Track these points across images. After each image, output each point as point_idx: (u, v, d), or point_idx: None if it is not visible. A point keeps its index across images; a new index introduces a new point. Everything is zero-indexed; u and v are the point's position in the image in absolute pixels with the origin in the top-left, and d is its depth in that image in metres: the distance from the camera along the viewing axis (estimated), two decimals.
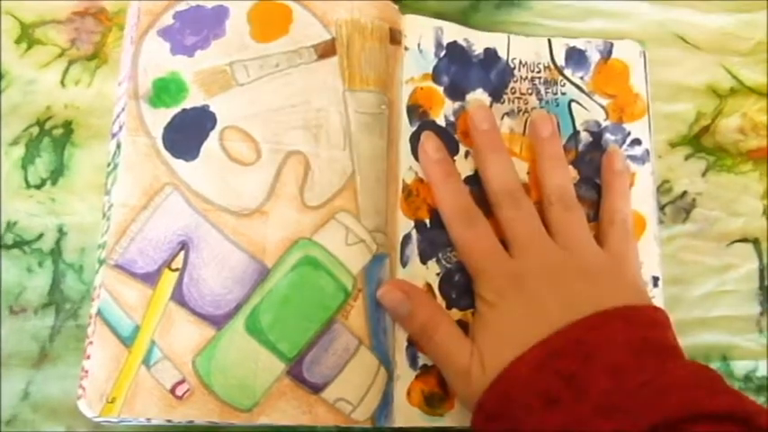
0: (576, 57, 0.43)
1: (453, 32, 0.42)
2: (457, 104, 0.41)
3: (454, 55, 0.42)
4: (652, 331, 0.34)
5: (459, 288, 0.39)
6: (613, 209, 0.40)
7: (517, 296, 0.35)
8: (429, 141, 0.39)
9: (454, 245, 0.39)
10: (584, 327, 0.33)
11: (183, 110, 0.37)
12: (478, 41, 0.42)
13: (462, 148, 0.41)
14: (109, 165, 0.37)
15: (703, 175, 0.44)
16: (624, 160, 0.41)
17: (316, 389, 0.36)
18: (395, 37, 0.41)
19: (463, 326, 0.39)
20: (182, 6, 0.39)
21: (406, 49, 0.41)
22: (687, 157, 0.44)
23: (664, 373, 0.32)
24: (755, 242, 0.43)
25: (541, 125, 0.41)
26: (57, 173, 0.38)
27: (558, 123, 0.40)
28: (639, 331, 0.33)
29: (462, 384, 0.35)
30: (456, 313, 0.39)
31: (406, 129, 0.40)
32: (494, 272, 0.36)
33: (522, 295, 0.35)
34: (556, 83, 0.43)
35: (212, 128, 0.37)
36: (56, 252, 0.37)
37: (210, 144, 0.37)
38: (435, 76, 0.42)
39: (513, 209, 0.38)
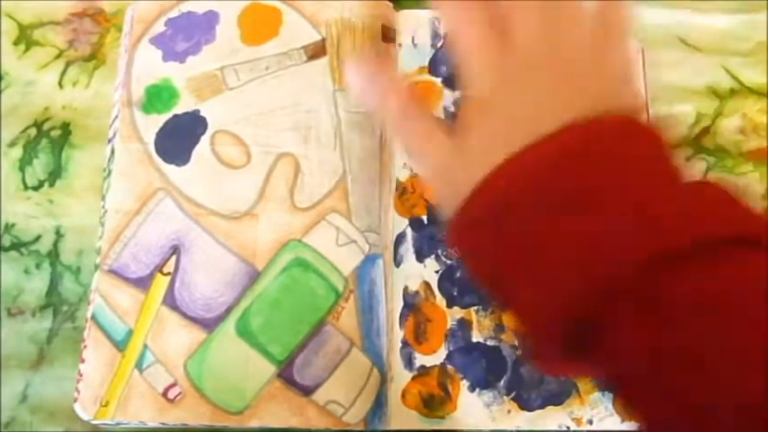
0: None
1: None
2: (458, 94, 0.41)
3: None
4: (669, 147, 0.28)
5: (461, 285, 0.38)
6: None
7: (516, 91, 0.28)
8: None
9: (448, 40, 0.34)
10: (603, 128, 0.27)
11: (175, 115, 0.38)
12: None
13: None
14: (104, 170, 0.38)
15: (704, 176, 0.43)
16: None
17: (306, 391, 0.35)
18: (387, 35, 0.40)
19: (466, 325, 0.38)
20: (173, 13, 0.39)
21: (399, 45, 0.41)
22: (687, 159, 0.43)
23: (689, 190, 0.27)
24: None
25: None
26: (54, 174, 0.39)
27: None
28: (662, 147, 0.27)
29: (443, 183, 0.29)
30: (457, 311, 0.38)
31: None
32: (487, 63, 0.29)
33: (522, 90, 0.28)
34: None
35: (203, 132, 0.38)
36: (53, 254, 0.38)
37: (201, 148, 0.38)
38: (432, 68, 0.41)
39: None
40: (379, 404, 0.36)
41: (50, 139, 0.39)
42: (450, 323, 0.38)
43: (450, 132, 0.29)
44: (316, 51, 0.39)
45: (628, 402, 0.27)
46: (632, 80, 0.31)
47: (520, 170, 0.26)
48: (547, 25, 0.29)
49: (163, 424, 0.35)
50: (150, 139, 0.38)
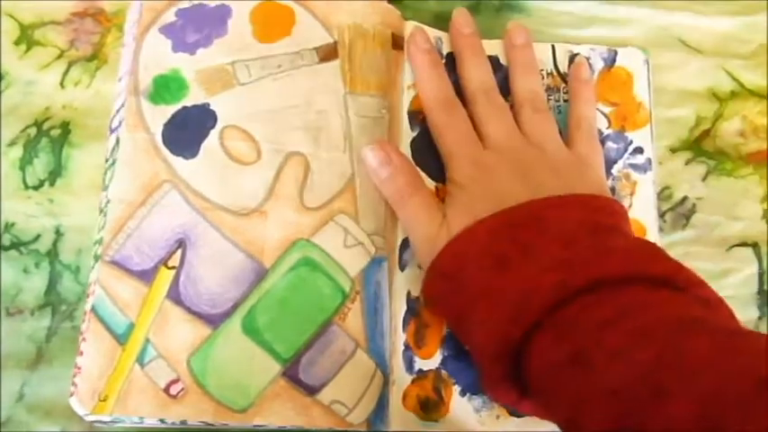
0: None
1: None
2: None
3: (455, 64, 0.42)
4: (608, 218, 0.36)
5: None
6: (580, 115, 0.41)
7: (487, 181, 0.37)
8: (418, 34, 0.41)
9: (432, 130, 0.40)
10: (543, 204, 0.35)
11: (184, 107, 0.37)
12: None
13: None
14: (107, 160, 0.37)
15: (703, 179, 0.44)
16: (589, 70, 0.43)
17: (311, 391, 0.35)
18: (397, 42, 0.41)
19: None
20: (184, 4, 0.39)
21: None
22: (687, 162, 0.44)
23: (611, 241, 0.34)
24: (755, 246, 0.43)
25: (515, 34, 0.42)
26: (54, 174, 0.38)
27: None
28: (596, 215, 0.35)
29: (428, 250, 0.36)
30: None
31: (406, 134, 0.40)
32: (466, 158, 0.38)
33: (491, 181, 0.37)
34: (558, 90, 0.43)
35: (213, 126, 0.37)
36: (53, 253, 0.37)
37: (211, 142, 0.37)
38: None
39: (487, 105, 0.39)
40: (382, 405, 0.36)
41: (50, 139, 0.39)
42: (445, 329, 0.39)
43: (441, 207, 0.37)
44: (327, 54, 0.40)
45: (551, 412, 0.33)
46: (590, 181, 0.38)
47: (471, 237, 0.34)
48: (515, 131, 0.39)
49: (162, 421, 0.34)
50: (157, 129, 0.37)
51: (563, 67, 0.43)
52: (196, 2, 0.39)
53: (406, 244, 0.39)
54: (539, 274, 0.32)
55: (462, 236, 0.35)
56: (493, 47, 0.42)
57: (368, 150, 0.38)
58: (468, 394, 0.38)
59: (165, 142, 0.37)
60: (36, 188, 0.38)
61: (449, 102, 0.40)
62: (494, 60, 0.42)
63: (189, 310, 0.35)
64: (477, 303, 0.33)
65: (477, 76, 0.40)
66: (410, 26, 0.41)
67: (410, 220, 0.38)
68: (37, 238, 0.37)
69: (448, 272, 0.35)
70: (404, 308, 0.38)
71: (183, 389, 0.34)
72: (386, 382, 0.37)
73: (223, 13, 0.39)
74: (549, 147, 0.39)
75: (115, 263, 0.35)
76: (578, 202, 0.36)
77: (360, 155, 0.38)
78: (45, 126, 0.39)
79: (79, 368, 0.34)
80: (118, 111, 0.37)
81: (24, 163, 0.38)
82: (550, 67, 0.43)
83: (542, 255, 0.33)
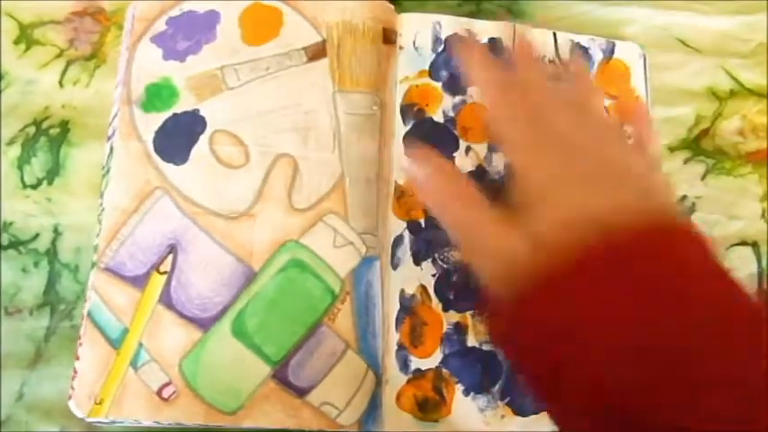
0: (581, 54, 0.42)
1: (453, 25, 0.41)
2: (457, 99, 0.41)
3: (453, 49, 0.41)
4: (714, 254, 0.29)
5: (457, 289, 0.38)
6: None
7: (565, 179, 0.30)
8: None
9: (504, 146, 0.34)
10: (658, 234, 0.28)
11: (174, 114, 0.38)
12: (482, 32, 0.41)
13: (462, 144, 0.40)
14: (103, 168, 0.38)
15: (702, 178, 0.43)
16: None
17: (301, 392, 0.35)
18: (388, 37, 0.40)
19: (462, 330, 0.38)
20: (174, 12, 0.39)
21: (400, 48, 0.41)
22: (686, 161, 0.44)
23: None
24: (754, 245, 0.42)
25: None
26: (53, 173, 0.39)
27: None
28: (709, 250, 0.29)
29: (498, 263, 0.30)
30: (453, 315, 0.38)
31: (399, 128, 0.40)
32: (534, 155, 0.31)
33: (569, 179, 0.30)
34: (560, 77, 0.42)
35: (202, 132, 0.38)
36: (51, 252, 0.38)
37: (200, 148, 0.38)
38: (433, 71, 0.41)
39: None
40: (374, 406, 0.36)
41: (49, 137, 0.39)
42: (445, 327, 0.38)
43: (509, 217, 0.30)
44: (316, 53, 0.39)
45: None
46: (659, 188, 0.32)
47: (579, 268, 0.27)
48: (579, 120, 0.32)
49: (157, 423, 0.35)
50: (149, 137, 0.37)
51: (564, 55, 0.42)
52: (186, 9, 0.39)
53: (398, 241, 0.38)
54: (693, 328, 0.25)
55: (564, 267, 0.27)
56: (495, 28, 0.41)
57: (409, 162, 0.33)
58: (472, 393, 0.37)
59: (156, 150, 0.37)
60: (34, 187, 0.38)
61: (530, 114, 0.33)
62: (498, 42, 0.41)
63: (180, 314, 0.36)
64: (598, 362, 0.26)
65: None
66: (407, 18, 0.41)
67: (477, 233, 0.31)
68: (35, 237, 0.38)
69: (550, 317, 0.27)
70: (397, 306, 0.37)
71: (174, 392, 0.35)
72: (378, 383, 0.36)
73: (212, 19, 0.39)
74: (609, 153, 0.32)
75: (109, 270, 0.36)
76: (686, 234, 0.29)
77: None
78: (44, 125, 0.39)
79: (76, 372, 0.35)
80: (112, 120, 0.38)
81: (22, 162, 0.39)
82: (552, 54, 0.42)
83: (687, 299, 0.26)
